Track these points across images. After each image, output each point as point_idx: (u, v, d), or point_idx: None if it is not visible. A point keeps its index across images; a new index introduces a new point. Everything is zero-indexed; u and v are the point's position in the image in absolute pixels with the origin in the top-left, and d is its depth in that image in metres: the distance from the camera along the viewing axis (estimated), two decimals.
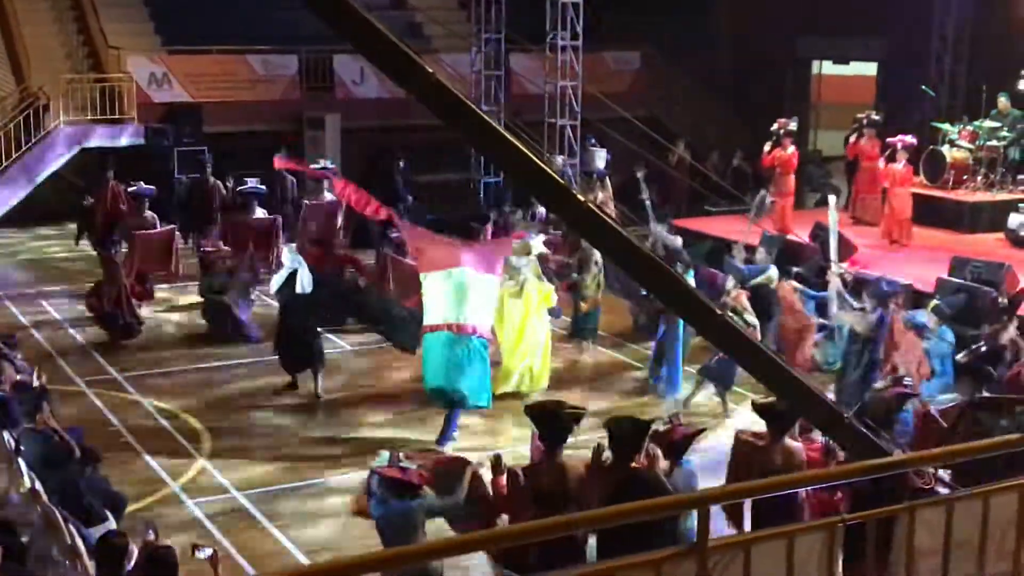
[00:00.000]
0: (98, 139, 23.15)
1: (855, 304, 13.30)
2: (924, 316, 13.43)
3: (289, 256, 14.16)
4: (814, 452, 9.12)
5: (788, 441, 9.03)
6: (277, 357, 14.47)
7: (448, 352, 12.48)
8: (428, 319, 12.76)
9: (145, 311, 17.11)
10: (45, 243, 22.53)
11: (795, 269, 15.42)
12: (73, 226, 20.51)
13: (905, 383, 10.14)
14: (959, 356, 11.05)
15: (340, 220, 19.25)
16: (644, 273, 6.88)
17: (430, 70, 5.89)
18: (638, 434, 8.82)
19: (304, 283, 13.91)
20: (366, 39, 5.88)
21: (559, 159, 21.24)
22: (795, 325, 14.13)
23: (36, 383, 10.39)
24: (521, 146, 6.14)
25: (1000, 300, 13.37)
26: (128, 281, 16.62)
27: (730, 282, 14.11)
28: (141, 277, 17.63)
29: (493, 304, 13.04)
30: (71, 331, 16.63)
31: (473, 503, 8.97)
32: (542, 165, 6.14)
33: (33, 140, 22.78)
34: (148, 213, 18.18)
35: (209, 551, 7.52)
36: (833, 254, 14.09)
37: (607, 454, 8.83)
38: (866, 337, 12.80)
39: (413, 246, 13.68)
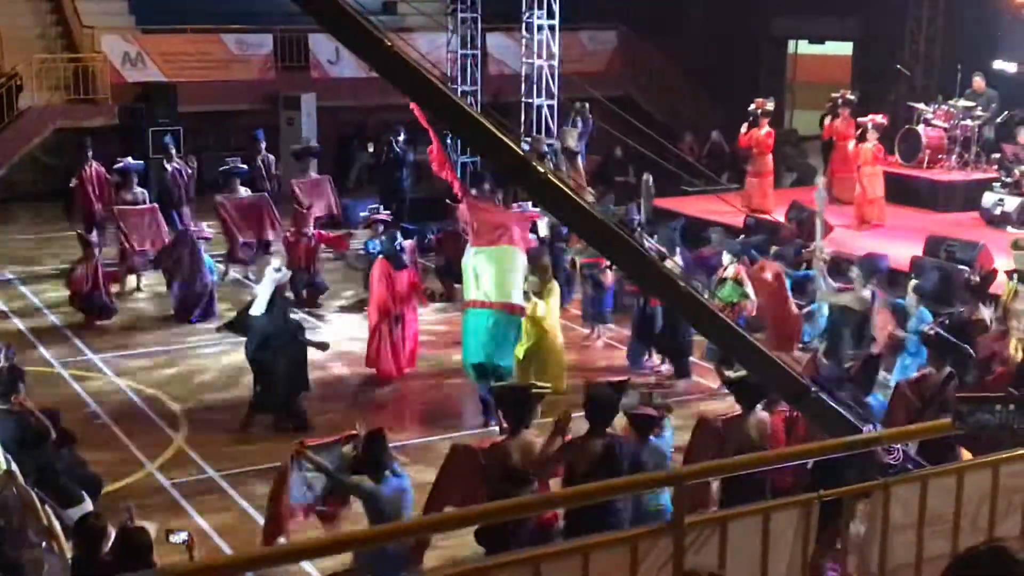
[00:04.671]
0: (72, 119, 22.98)
1: (834, 284, 13.43)
2: (906, 298, 13.50)
3: (274, 272, 13.10)
4: (776, 417, 9.21)
5: (759, 413, 9.10)
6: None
7: (492, 330, 12.46)
8: (471, 294, 12.73)
9: (120, 291, 17.07)
10: (19, 224, 22.35)
11: (774, 248, 15.46)
12: (48, 206, 20.43)
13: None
14: (924, 327, 11.13)
15: (332, 198, 19.32)
16: (603, 241, 6.90)
17: (389, 43, 5.88)
18: (613, 398, 8.90)
19: (258, 304, 12.83)
20: (326, 10, 5.89)
21: (545, 141, 21.18)
22: (775, 304, 14.15)
23: (9, 363, 10.34)
24: (482, 118, 6.15)
25: (972, 279, 13.44)
26: (105, 263, 16.59)
27: (726, 257, 14.16)
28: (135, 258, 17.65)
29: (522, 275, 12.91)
30: (46, 312, 16.54)
31: None
32: (501, 136, 6.16)
33: (6, 120, 22.62)
34: (138, 189, 18.14)
35: (184, 535, 7.50)
36: (819, 234, 14.10)
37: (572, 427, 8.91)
38: (861, 313, 12.97)
39: (471, 219, 13.18)
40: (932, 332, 10.62)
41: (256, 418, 12.69)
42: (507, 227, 12.71)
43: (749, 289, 13.83)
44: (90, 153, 18.91)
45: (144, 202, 18.07)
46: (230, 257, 18.24)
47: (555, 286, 13.70)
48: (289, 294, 13.59)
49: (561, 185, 6.40)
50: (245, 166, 19.11)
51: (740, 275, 13.87)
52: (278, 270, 13.05)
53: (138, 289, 17.69)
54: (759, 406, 9.12)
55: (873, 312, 12.97)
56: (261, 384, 12.74)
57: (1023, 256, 15.02)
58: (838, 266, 14.43)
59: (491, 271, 12.52)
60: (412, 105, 12.43)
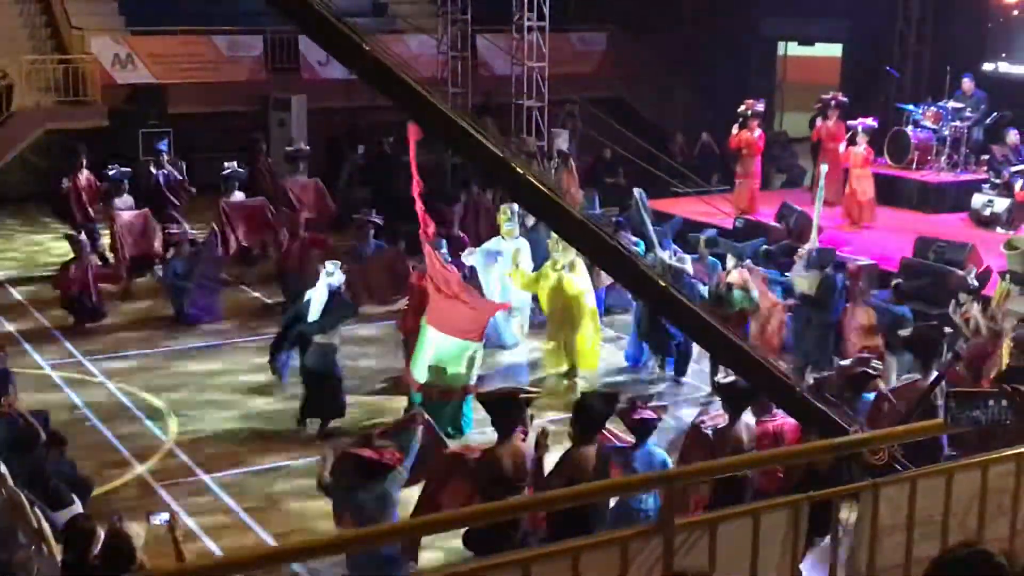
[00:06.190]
0: (62, 121, 22.93)
1: (805, 272, 13.64)
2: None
3: (327, 276, 12.75)
4: (766, 426, 9.22)
5: (746, 419, 9.11)
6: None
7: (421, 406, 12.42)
8: (412, 369, 12.48)
9: (110, 292, 17.05)
10: (8, 225, 22.28)
11: (763, 247, 15.49)
12: (38, 208, 20.40)
13: (873, 365, 10.24)
14: (901, 332, 11.17)
15: (327, 199, 19.35)
16: (583, 242, 6.92)
17: (367, 47, 5.89)
18: (605, 409, 8.90)
19: (313, 308, 12.57)
20: (301, 13, 5.91)
21: (531, 141, 21.21)
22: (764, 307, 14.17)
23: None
24: (460, 119, 6.16)
25: (969, 279, 13.47)
26: (98, 264, 16.57)
27: (730, 261, 14.16)
28: (134, 262, 17.63)
29: (468, 361, 12.35)
30: (36, 314, 16.50)
31: (424, 450, 9.09)
32: (481, 137, 6.17)
33: None
34: (127, 196, 18.13)
35: (165, 515, 7.52)
36: (815, 226, 14.24)
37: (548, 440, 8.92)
38: (814, 299, 13.08)
39: (432, 285, 12.50)
40: (906, 335, 10.69)
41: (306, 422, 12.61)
42: (467, 316, 12.23)
43: (756, 294, 13.85)
44: (84, 161, 18.87)
45: (132, 207, 18.06)
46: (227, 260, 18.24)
47: (580, 262, 13.94)
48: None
49: (541, 186, 6.41)
50: (243, 170, 19.11)
51: (746, 280, 13.85)
52: (330, 274, 12.80)
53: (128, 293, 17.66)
54: (746, 413, 9.13)
55: (827, 299, 13.21)
56: (310, 391, 12.56)
57: (1016, 256, 15.07)
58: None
59: (441, 355, 12.22)
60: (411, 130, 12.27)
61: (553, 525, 8.62)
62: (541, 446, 8.85)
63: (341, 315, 12.75)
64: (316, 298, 12.63)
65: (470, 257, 14.89)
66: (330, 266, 12.98)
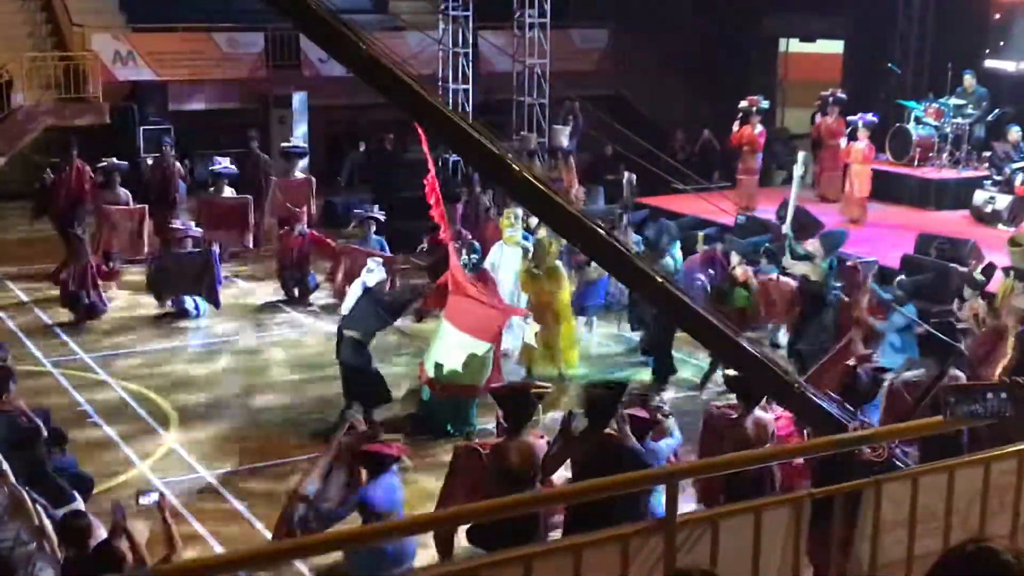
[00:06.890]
0: (62, 118, 22.92)
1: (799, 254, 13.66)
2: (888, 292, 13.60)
3: (366, 273, 12.73)
4: (784, 422, 9.21)
5: (759, 413, 9.08)
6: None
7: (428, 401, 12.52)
8: (426, 361, 12.61)
9: (111, 291, 17.04)
10: (9, 222, 22.26)
11: (764, 245, 15.49)
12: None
13: (874, 359, 10.22)
14: (919, 330, 11.15)
15: (312, 199, 19.26)
16: (581, 238, 6.93)
17: (364, 46, 5.89)
18: (612, 398, 8.88)
19: (347, 302, 12.62)
20: (298, 12, 5.90)
21: (533, 137, 21.20)
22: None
23: (0, 362, 10.31)
24: (457, 118, 6.17)
25: (976, 276, 13.46)
26: (95, 260, 16.53)
27: (735, 258, 14.13)
28: (107, 256, 17.58)
29: (479, 361, 12.28)
30: (37, 311, 16.51)
31: None
32: (477, 135, 6.17)
33: None
34: (121, 190, 18.08)
35: (155, 495, 7.51)
36: (790, 211, 14.26)
37: (577, 423, 8.89)
38: (818, 283, 13.07)
39: (453, 282, 12.60)
40: (925, 332, 10.65)
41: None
42: (483, 317, 12.20)
43: (755, 287, 13.87)
44: (75, 152, 18.78)
45: (128, 202, 18.01)
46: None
47: (559, 268, 13.98)
48: (386, 296, 12.98)
49: (538, 183, 6.41)
50: (234, 167, 19.05)
51: (748, 278, 13.83)
52: (370, 271, 12.73)
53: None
54: (758, 406, 9.10)
55: (830, 283, 13.32)
56: (345, 380, 12.54)
57: (1019, 253, 15.03)
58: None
59: (452, 352, 12.23)
60: (421, 134, 12.20)
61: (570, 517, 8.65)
62: (567, 428, 8.84)
63: (369, 325, 12.40)
64: (351, 293, 12.61)
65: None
66: (371, 263, 12.87)
